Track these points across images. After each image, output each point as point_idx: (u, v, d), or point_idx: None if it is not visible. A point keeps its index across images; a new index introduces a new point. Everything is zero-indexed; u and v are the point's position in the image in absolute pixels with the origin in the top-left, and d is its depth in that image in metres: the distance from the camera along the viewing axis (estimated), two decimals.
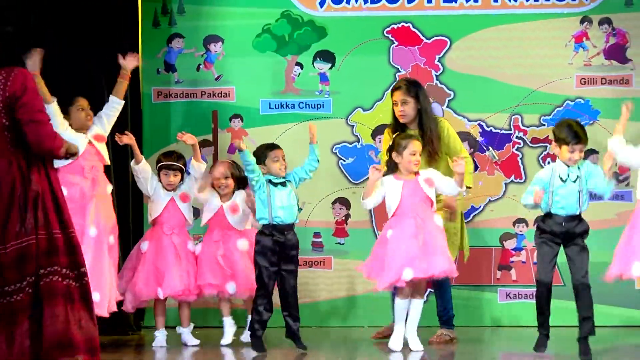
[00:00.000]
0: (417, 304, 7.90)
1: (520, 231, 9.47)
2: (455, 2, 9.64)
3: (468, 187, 8.36)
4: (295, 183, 8.14)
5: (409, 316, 7.88)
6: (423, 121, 8.45)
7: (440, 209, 8.25)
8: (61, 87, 8.45)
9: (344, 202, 9.62)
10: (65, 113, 8.13)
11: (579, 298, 7.67)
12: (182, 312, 8.51)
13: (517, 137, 9.58)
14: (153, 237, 8.50)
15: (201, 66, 9.74)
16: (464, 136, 9.56)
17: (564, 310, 8.47)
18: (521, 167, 9.56)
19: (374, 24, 9.66)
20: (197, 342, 8.41)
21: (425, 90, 8.60)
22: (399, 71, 9.64)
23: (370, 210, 9.52)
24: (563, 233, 7.65)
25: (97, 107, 8.51)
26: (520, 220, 9.42)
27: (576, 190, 7.65)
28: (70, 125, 8.10)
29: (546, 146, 9.42)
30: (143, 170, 8.50)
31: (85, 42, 9.12)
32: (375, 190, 7.88)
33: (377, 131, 9.62)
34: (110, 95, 8.38)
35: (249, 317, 8.26)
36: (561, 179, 7.70)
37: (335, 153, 9.65)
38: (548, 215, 7.69)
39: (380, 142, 9.56)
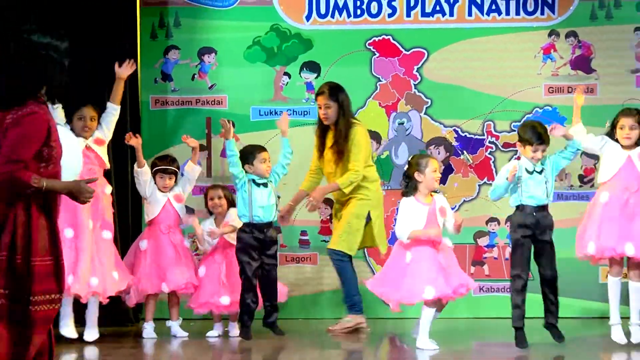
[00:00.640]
0: (435, 314, 7.75)
1: (493, 229, 9.51)
2: (432, 17, 9.65)
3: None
4: (275, 182, 8.18)
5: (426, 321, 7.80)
6: (338, 121, 8.60)
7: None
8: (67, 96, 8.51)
9: (328, 203, 9.56)
10: (69, 120, 8.14)
11: (549, 289, 7.74)
12: (172, 307, 8.51)
13: (489, 142, 9.61)
14: (151, 236, 8.49)
15: (196, 76, 9.74)
16: (441, 141, 9.62)
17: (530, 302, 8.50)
18: (493, 170, 9.56)
19: (357, 37, 9.66)
20: (185, 334, 8.43)
21: (346, 94, 8.69)
22: (380, 80, 9.64)
23: None
24: (534, 224, 7.72)
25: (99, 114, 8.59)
26: (492, 219, 9.46)
27: (543, 181, 7.76)
28: (72, 130, 8.06)
29: (517, 150, 9.34)
30: (144, 173, 8.49)
31: (87, 53, 9.12)
32: (409, 222, 7.72)
33: None
34: (108, 102, 8.40)
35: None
36: (527, 171, 7.79)
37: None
38: (519, 208, 7.76)
39: None
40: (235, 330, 8.38)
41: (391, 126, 9.68)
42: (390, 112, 9.66)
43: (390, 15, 9.67)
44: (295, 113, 9.66)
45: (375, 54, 9.67)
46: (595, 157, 9.40)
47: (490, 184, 9.34)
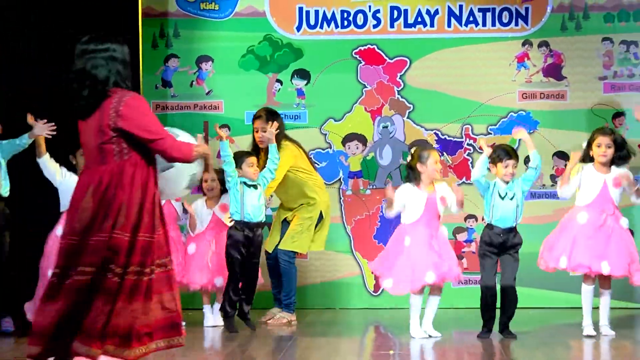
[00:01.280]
0: (435, 300, 7.77)
1: (471, 225, 9.56)
2: (414, 27, 9.68)
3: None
4: (263, 185, 8.17)
5: (428, 310, 7.74)
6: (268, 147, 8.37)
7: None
8: (71, 105, 8.51)
9: None
10: (72, 153, 8.06)
11: (506, 298, 7.75)
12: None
13: (467, 144, 9.65)
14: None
15: (194, 82, 9.76)
16: (422, 143, 9.61)
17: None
18: (471, 169, 9.59)
19: (344, 46, 9.69)
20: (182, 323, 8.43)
21: (281, 120, 8.56)
22: (366, 87, 9.67)
23: (341, 207, 9.61)
24: (501, 243, 7.71)
25: None
26: (470, 216, 9.50)
27: (513, 207, 7.70)
28: (76, 166, 8.01)
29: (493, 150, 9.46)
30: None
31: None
32: (396, 202, 7.67)
33: (347, 139, 9.67)
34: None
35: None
36: (500, 196, 7.78)
37: (310, 158, 9.62)
38: (489, 226, 7.75)
39: (349, 148, 9.66)
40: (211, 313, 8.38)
41: (376, 129, 9.72)
42: (375, 117, 9.69)
43: (375, 26, 9.70)
44: (286, 117, 9.62)
45: (361, 62, 9.70)
46: (566, 158, 9.47)
47: (468, 184, 9.42)
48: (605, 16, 9.60)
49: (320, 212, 8.66)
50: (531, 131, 9.49)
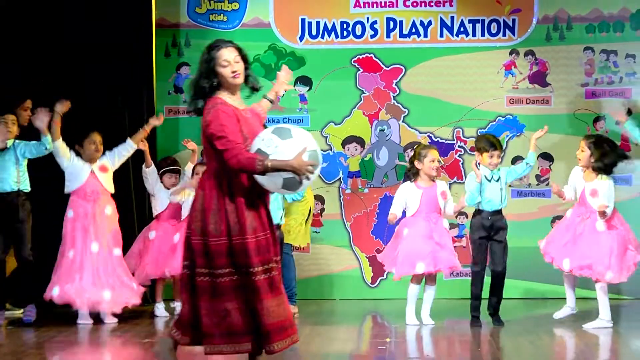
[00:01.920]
0: (431, 290, 7.85)
1: (462, 222, 9.56)
2: (409, 37, 9.68)
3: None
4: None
5: (425, 299, 7.79)
6: None
7: None
8: (91, 107, 8.56)
9: (319, 199, 9.66)
10: (79, 143, 8.09)
11: (497, 282, 7.81)
12: (176, 290, 8.49)
13: (458, 146, 9.64)
14: (159, 228, 8.44)
15: None
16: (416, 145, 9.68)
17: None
18: (462, 170, 9.61)
19: (343, 55, 9.69)
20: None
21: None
22: (364, 93, 9.67)
23: (341, 205, 9.64)
24: (489, 226, 7.79)
25: (118, 125, 8.62)
26: (461, 213, 9.45)
27: (499, 189, 7.80)
28: (82, 155, 8.07)
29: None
30: (152, 173, 8.44)
31: (109, 69, 9.19)
32: (396, 201, 7.82)
33: (346, 141, 9.67)
34: (128, 139, 8.30)
35: None
36: (487, 178, 7.85)
37: None
38: (478, 212, 7.83)
39: (348, 150, 9.68)
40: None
41: (373, 132, 9.73)
42: (372, 120, 9.70)
43: (372, 37, 9.71)
44: (290, 121, 9.65)
45: (359, 70, 9.70)
46: (551, 159, 9.51)
47: (459, 183, 9.46)
48: (586, 27, 9.59)
49: (310, 208, 8.69)
50: (518, 134, 9.53)
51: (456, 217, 9.47)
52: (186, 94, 5.42)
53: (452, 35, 9.66)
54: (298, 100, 9.74)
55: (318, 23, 9.73)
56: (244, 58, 5.63)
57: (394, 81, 9.69)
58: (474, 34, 9.66)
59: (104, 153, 8.21)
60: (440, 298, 8.48)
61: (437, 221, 7.84)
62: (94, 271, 7.89)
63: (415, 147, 7.99)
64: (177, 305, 8.42)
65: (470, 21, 9.66)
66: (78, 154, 8.13)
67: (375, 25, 9.70)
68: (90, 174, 8.06)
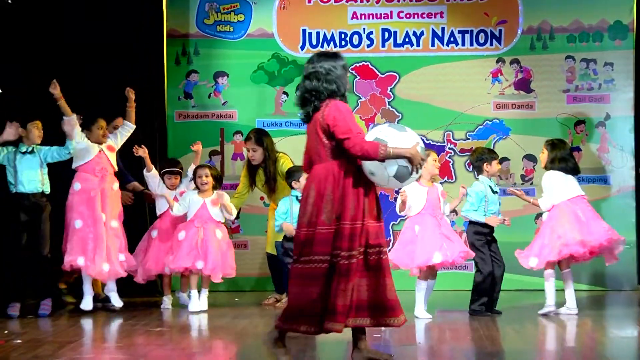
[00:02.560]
0: (432, 284, 7.83)
1: (452, 219, 9.57)
2: (403, 47, 9.70)
3: None
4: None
5: (426, 293, 7.79)
6: (266, 164, 8.41)
7: None
8: (105, 108, 8.59)
9: None
10: (88, 128, 8.08)
11: (500, 280, 7.84)
12: (182, 282, 8.47)
13: (449, 148, 9.66)
14: (161, 227, 8.37)
15: (211, 94, 9.78)
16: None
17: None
18: (452, 170, 9.64)
19: None
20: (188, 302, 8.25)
21: (270, 139, 8.53)
22: (361, 98, 9.69)
23: None
24: (490, 233, 7.83)
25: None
26: (452, 211, 9.51)
27: (498, 199, 7.85)
28: (89, 137, 8.07)
29: (470, 154, 9.48)
30: (153, 176, 8.40)
31: (124, 76, 9.19)
32: (405, 203, 7.74)
33: None
34: (124, 120, 8.31)
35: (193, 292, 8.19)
36: (492, 190, 7.87)
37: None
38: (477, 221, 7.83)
39: None
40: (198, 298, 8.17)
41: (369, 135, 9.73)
42: (369, 124, 9.69)
43: (368, 46, 9.73)
44: (291, 125, 9.70)
45: (356, 77, 9.72)
46: (534, 160, 9.53)
47: (450, 182, 9.47)
48: (568, 37, 9.62)
49: None
50: (504, 137, 9.55)
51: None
52: (298, 98, 5.43)
53: (443, 45, 9.67)
54: None
55: (318, 33, 9.76)
56: None
57: (389, 87, 9.72)
58: (463, 44, 9.68)
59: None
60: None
61: (442, 217, 7.83)
62: (102, 242, 7.92)
63: None
64: (182, 296, 8.40)
65: (459, 32, 9.69)
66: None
67: (371, 36, 9.73)
68: (99, 152, 8.08)
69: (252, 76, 9.78)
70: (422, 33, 9.70)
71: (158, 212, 8.53)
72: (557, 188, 7.77)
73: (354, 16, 9.72)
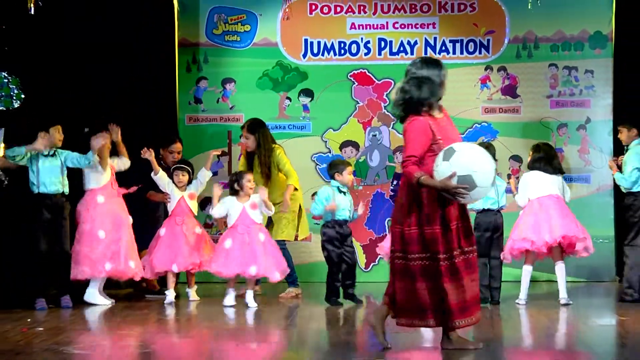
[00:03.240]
0: None
1: None
2: (398, 55, 9.68)
3: (295, 189, 8.38)
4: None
5: None
6: (260, 152, 8.37)
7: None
8: (126, 114, 8.61)
9: None
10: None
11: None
12: (189, 278, 8.31)
13: None
14: (169, 226, 8.21)
15: (220, 99, 9.76)
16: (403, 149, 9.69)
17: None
18: None
19: (341, 70, 9.71)
20: (197, 298, 8.21)
21: (264, 129, 8.47)
22: (358, 103, 9.69)
23: None
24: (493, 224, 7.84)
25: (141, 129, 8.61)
26: None
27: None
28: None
29: None
30: (160, 178, 8.21)
31: (138, 83, 9.23)
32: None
33: (343, 145, 9.69)
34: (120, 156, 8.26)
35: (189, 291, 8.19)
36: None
37: (314, 160, 9.70)
38: (482, 211, 7.84)
39: (345, 152, 9.72)
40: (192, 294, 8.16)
41: (367, 137, 9.75)
42: (366, 127, 9.73)
43: (366, 54, 9.73)
44: (294, 127, 9.71)
45: (354, 83, 9.72)
46: (520, 160, 9.54)
47: None
48: (551, 46, 9.62)
49: (300, 205, 8.58)
50: (492, 139, 9.55)
51: None
52: (396, 101, 5.46)
53: (435, 53, 9.66)
54: (302, 109, 9.77)
55: (319, 42, 9.76)
56: None
57: (385, 93, 9.72)
58: (454, 52, 9.69)
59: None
60: None
61: None
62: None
63: None
64: (189, 291, 8.25)
65: (450, 41, 9.69)
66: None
67: (368, 45, 9.73)
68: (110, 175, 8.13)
69: (258, 82, 9.78)
70: (415, 42, 9.71)
71: (169, 211, 8.41)
72: (530, 186, 7.82)
73: (353, 27, 9.73)
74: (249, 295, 7.82)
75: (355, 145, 9.73)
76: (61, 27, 9.00)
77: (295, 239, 8.64)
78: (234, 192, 7.93)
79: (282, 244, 8.32)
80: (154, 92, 9.41)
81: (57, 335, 6.36)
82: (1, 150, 8.02)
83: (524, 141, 9.47)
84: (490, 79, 9.69)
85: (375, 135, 9.74)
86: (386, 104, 9.69)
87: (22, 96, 8.44)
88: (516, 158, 9.61)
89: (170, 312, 7.70)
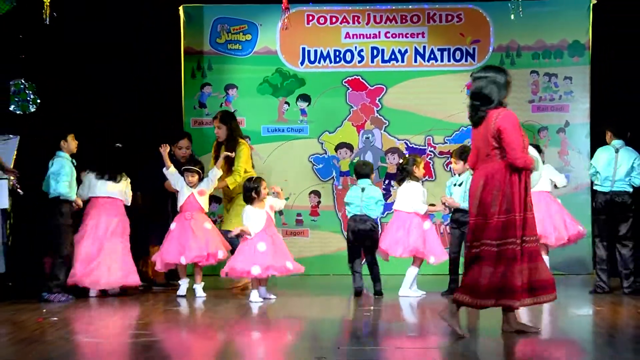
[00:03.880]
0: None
1: (431, 212, 9.58)
2: (389, 62, 9.69)
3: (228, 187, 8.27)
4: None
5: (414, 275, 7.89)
6: (229, 142, 8.30)
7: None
8: (135, 118, 8.61)
9: (316, 193, 9.68)
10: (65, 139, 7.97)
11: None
12: (196, 273, 8.11)
13: (429, 151, 9.66)
14: (179, 220, 8.14)
15: (223, 104, 9.74)
16: (395, 150, 9.69)
17: None
18: (432, 170, 9.64)
19: (336, 76, 9.71)
20: (204, 295, 7.96)
21: (235, 121, 8.43)
22: (353, 107, 9.68)
23: (334, 198, 9.68)
24: (457, 220, 7.85)
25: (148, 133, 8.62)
26: (431, 205, 9.49)
27: (462, 191, 7.82)
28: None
29: (449, 157, 9.44)
30: (171, 174, 8.18)
31: (146, 89, 9.24)
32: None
33: (338, 146, 9.69)
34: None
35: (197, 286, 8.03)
36: (453, 183, 7.90)
37: (311, 161, 9.70)
38: (457, 210, 7.86)
39: (340, 154, 9.72)
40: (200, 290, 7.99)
41: (360, 139, 9.76)
42: (359, 130, 9.74)
43: (359, 62, 9.73)
44: (292, 130, 9.70)
45: (349, 89, 9.73)
46: None
47: (430, 180, 9.49)
48: (532, 55, 9.63)
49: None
50: None
51: None
52: (479, 101, 5.74)
53: (424, 61, 9.68)
54: (299, 113, 9.77)
55: (316, 51, 9.76)
56: None
57: (377, 98, 9.72)
58: (441, 60, 9.69)
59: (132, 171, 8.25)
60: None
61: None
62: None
63: (408, 155, 8.18)
64: (197, 287, 8.07)
65: (438, 49, 9.70)
66: (58, 148, 7.99)
67: (362, 53, 9.73)
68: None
69: (258, 88, 9.78)
70: (406, 51, 9.71)
71: (178, 206, 8.34)
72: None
73: (347, 36, 9.73)
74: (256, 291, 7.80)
75: (350, 147, 9.74)
76: (74, 36, 9.02)
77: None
78: (250, 200, 7.78)
79: (227, 233, 8.16)
80: (161, 97, 9.42)
81: (70, 325, 6.37)
82: (12, 159, 8.03)
83: None
84: None
85: (368, 138, 9.75)
86: (379, 108, 9.70)
87: (38, 101, 8.44)
88: None
89: (179, 304, 7.70)
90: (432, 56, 9.69)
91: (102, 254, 7.95)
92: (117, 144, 8.25)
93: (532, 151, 5.83)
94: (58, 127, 8.02)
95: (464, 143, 9.10)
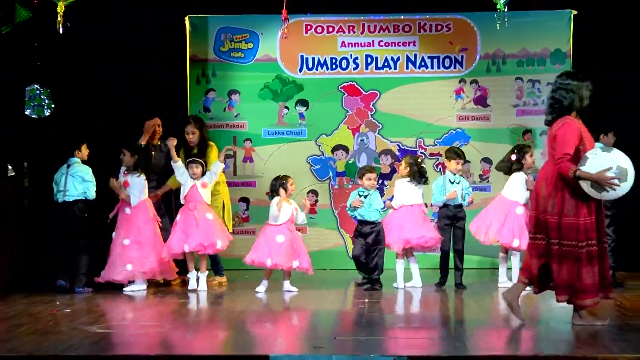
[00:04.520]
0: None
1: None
2: (383, 69, 9.65)
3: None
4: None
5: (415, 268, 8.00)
6: (200, 146, 8.29)
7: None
8: (143, 122, 8.59)
9: (314, 192, 9.69)
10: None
11: (458, 258, 7.88)
12: (201, 262, 8.04)
13: (420, 153, 9.63)
14: (183, 212, 8.10)
15: (226, 108, 9.71)
16: (388, 151, 9.67)
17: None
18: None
19: (333, 82, 9.67)
20: (205, 288, 7.93)
21: (206, 126, 8.51)
22: (348, 111, 9.66)
23: (330, 196, 9.68)
24: (452, 216, 7.87)
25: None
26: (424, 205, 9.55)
27: (460, 189, 7.88)
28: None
29: (438, 158, 9.49)
30: (178, 167, 8.11)
31: (153, 94, 9.22)
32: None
33: (335, 148, 9.65)
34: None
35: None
36: (450, 182, 7.91)
37: (309, 162, 9.67)
38: (444, 206, 7.92)
39: (336, 155, 9.71)
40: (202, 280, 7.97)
41: (355, 142, 9.74)
42: (355, 133, 9.71)
43: (354, 69, 9.70)
44: (291, 133, 9.67)
45: (344, 94, 9.70)
46: (490, 162, 9.55)
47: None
48: (517, 62, 9.61)
49: (223, 201, 8.45)
50: (465, 143, 9.56)
51: None
52: (548, 107, 5.85)
53: (415, 68, 9.66)
54: (298, 117, 9.74)
55: (313, 58, 9.73)
56: None
57: (371, 103, 9.70)
58: (432, 67, 9.67)
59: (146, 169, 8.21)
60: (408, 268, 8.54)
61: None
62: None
63: (408, 156, 8.24)
64: (201, 276, 8.02)
65: (429, 57, 9.68)
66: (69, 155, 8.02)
67: (357, 60, 9.71)
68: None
69: (259, 93, 9.75)
70: (398, 58, 9.70)
71: (182, 200, 8.24)
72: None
73: (343, 44, 9.72)
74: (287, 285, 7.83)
75: (345, 148, 9.73)
76: (85, 45, 9.01)
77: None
78: (277, 194, 7.85)
79: None
80: (168, 102, 9.40)
81: (82, 316, 6.37)
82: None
83: (494, 145, 9.49)
84: (464, 91, 9.67)
85: (363, 140, 9.74)
86: (373, 113, 9.69)
87: (52, 105, 8.43)
88: (487, 160, 9.63)
89: (188, 296, 7.69)
90: (422, 63, 9.68)
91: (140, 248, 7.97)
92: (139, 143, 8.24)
93: (622, 161, 5.47)
94: (71, 131, 8.01)
95: (453, 145, 9.11)
